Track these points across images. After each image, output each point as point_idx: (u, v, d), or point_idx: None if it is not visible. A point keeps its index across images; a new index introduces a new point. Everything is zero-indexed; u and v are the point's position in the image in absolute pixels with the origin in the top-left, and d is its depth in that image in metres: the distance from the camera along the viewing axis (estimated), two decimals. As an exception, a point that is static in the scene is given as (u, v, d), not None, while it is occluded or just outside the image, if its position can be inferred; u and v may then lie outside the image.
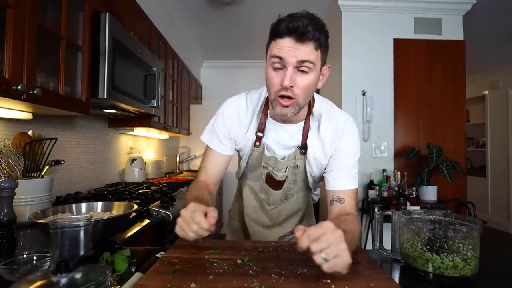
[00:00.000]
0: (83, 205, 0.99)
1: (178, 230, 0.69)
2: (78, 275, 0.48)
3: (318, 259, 0.55)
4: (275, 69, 0.78)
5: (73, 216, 0.93)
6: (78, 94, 1.33)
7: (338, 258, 0.55)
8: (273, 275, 0.61)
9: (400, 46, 2.76)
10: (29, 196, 1.15)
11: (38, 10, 1.05)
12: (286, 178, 0.99)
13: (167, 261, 0.68)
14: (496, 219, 4.29)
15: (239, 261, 0.68)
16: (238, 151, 1.04)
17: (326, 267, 0.55)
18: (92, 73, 1.38)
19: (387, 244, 0.84)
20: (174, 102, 2.93)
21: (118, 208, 1.00)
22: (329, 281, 0.58)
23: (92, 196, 1.63)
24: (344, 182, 0.89)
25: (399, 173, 2.55)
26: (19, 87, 0.94)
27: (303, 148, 0.92)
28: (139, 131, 2.44)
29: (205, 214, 0.68)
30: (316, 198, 1.25)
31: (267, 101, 0.93)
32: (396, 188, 2.53)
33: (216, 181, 0.99)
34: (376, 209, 0.97)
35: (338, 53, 2.80)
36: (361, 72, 2.76)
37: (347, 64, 2.76)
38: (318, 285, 0.57)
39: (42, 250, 0.72)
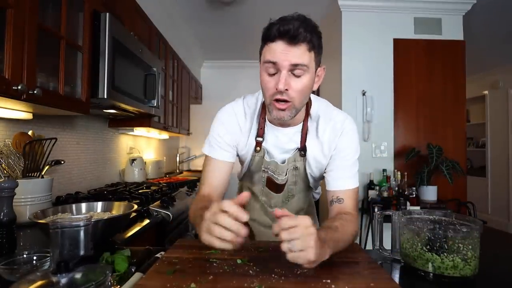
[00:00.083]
0: (83, 205, 0.99)
1: (207, 238, 0.59)
2: (78, 275, 0.48)
3: (284, 246, 0.57)
4: (270, 74, 0.77)
5: (73, 216, 0.93)
6: (78, 94, 1.33)
7: (303, 253, 0.56)
8: (273, 275, 0.61)
9: (400, 46, 2.76)
10: (29, 196, 1.15)
11: (38, 10, 1.05)
12: (287, 181, 0.98)
13: (167, 261, 0.68)
14: (496, 219, 4.29)
15: (239, 261, 0.68)
16: (239, 157, 1.02)
17: (289, 256, 0.57)
18: (92, 73, 1.38)
19: (387, 244, 0.84)
20: (174, 102, 2.93)
21: (118, 208, 1.00)
22: (329, 281, 0.58)
23: (92, 196, 1.63)
24: (343, 182, 0.89)
25: (399, 173, 2.55)
26: (19, 87, 0.94)
27: (302, 150, 0.92)
28: (139, 131, 2.44)
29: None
30: (317, 196, 1.25)
31: (264, 105, 0.92)
32: (396, 188, 2.53)
33: (219, 192, 0.93)
34: (376, 209, 0.97)
35: (338, 53, 2.80)
36: (361, 72, 2.76)
37: (347, 64, 2.76)
38: (318, 285, 0.57)
39: (42, 250, 0.72)
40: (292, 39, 0.72)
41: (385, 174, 2.63)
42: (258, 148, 0.93)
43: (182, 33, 3.34)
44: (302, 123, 0.91)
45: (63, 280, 0.46)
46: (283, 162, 0.95)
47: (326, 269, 0.64)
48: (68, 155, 1.70)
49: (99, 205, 1.01)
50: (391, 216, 0.83)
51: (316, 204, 1.31)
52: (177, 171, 3.86)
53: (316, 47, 0.76)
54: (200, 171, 1.32)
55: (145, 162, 2.65)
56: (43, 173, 1.29)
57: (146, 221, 1.28)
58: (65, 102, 1.22)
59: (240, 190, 1.20)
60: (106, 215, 0.95)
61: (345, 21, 2.75)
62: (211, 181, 0.93)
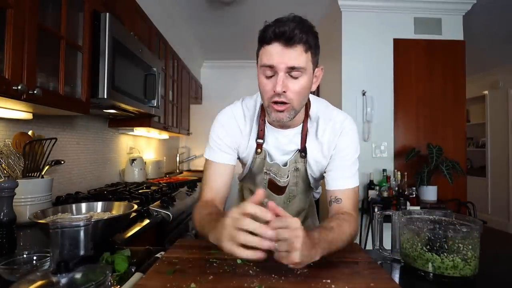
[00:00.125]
0: (83, 205, 0.99)
1: (230, 247, 0.58)
2: (78, 275, 0.48)
3: (271, 245, 0.57)
4: (267, 76, 0.77)
5: (73, 216, 0.93)
6: (78, 94, 1.33)
7: (287, 254, 0.57)
8: (273, 275, 0.61)
9: (400, 46, 2.76)
10: (29, 196, 1.15)
11: (38, 10, 1.05)
12: (288, 183, 0.98)
13: (167, 261, 0.68)
14: (496, 219, 4.29)
15: (239, 261, 0.68)
16: (240, 159, 1.02)
17: (275, 256, 0.59)
18: (92, 73, 1.38)
19: (387, 244, 0.84)
20: (174, 102, 2.93)
21: (118, 208, 1.00)
22: (329, 281, 0.58)
23: (92, 196, 1.63)
24: (342, 182, 0.89)
25: (399, 173, 2.55)
26: (19, 87, 0.94)
27: (303, 151, 0.92)
28: (139, 131, 2.44)
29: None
30: (317, 196, 1.25)
31: (263, 108, 0.91)
32: (396, 188, 2.53)
33: (222, 196, 0.91)
34: (376, 209, 0.97)
35: (338, 53, 2.80)
36: (361, 72, 2.76)
37: (347, 64, 2.76)
38: (318, 285, 0.57)
39: (42, 250, 0.71)
40: (288, 41, 0.72)
41: (385, 174, 2.63)
42: (259, 150, 0.93)
43: (182, 33, 3.34)
44: (301, 124, 0.91)
45: (63, 280, 0.46)
46: (285, 164, 0.95)
47: (326, 269, 0.64)
48: (68, 155, 1.70)
49: (99, 205, 1.01)
50: (391, 216, 0.83)
51: (316, 203, 1.31)
52: (177, 171, 3.86)
53: (312, 47, 0.76)
54: (200, 171, 1.32)
55: (145, 162, 2.65)
56: (43, 173, 1.29)
57: (146, 221, 1.28)
58: (65, 102, 1.22)
59: (241, 191, 1.20)
60: (106, 215, 0.95)
61: (345, 21, 2.75)
62: (213, 185, 0.91)
